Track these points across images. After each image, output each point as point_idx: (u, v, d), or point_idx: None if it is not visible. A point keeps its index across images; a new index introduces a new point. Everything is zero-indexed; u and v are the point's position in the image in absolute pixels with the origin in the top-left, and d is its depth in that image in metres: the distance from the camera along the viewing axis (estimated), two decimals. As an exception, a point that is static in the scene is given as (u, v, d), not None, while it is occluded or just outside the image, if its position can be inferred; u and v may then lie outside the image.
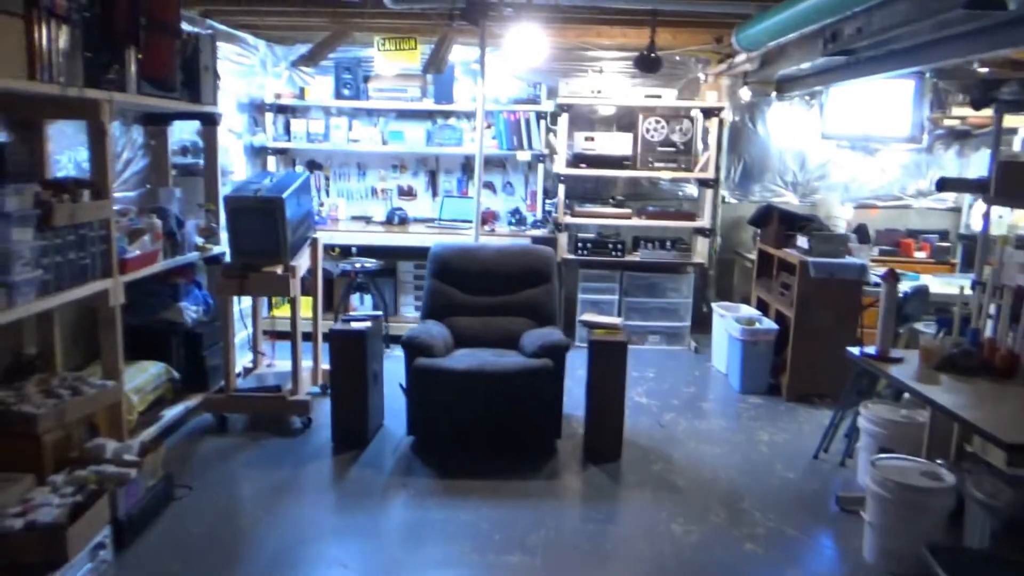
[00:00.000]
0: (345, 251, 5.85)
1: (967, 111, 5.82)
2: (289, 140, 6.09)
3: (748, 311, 5.31)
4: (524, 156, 6.01)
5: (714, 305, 5.45)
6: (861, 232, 5.43)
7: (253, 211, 3.91)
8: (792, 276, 4.81)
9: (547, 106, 5.92)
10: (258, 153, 6.08)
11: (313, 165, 6.41)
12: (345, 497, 3.35)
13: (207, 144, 4.35)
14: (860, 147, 6.37)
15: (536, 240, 5.71)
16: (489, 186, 6.38)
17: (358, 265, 5.44)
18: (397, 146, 6.09)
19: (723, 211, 6.32)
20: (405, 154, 6.27)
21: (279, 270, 3.92)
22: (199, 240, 4.25)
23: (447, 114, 6.20)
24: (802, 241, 4.77)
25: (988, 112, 5.65)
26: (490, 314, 4.27)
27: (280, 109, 6.13)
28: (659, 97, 5.75)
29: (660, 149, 5.83)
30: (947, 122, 5.99)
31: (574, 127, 6.01)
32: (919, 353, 3.03)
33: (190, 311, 4.15)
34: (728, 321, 5.04)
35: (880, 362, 3.06)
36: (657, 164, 5.84)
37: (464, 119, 6.19)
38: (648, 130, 5.83)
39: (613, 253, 5.82)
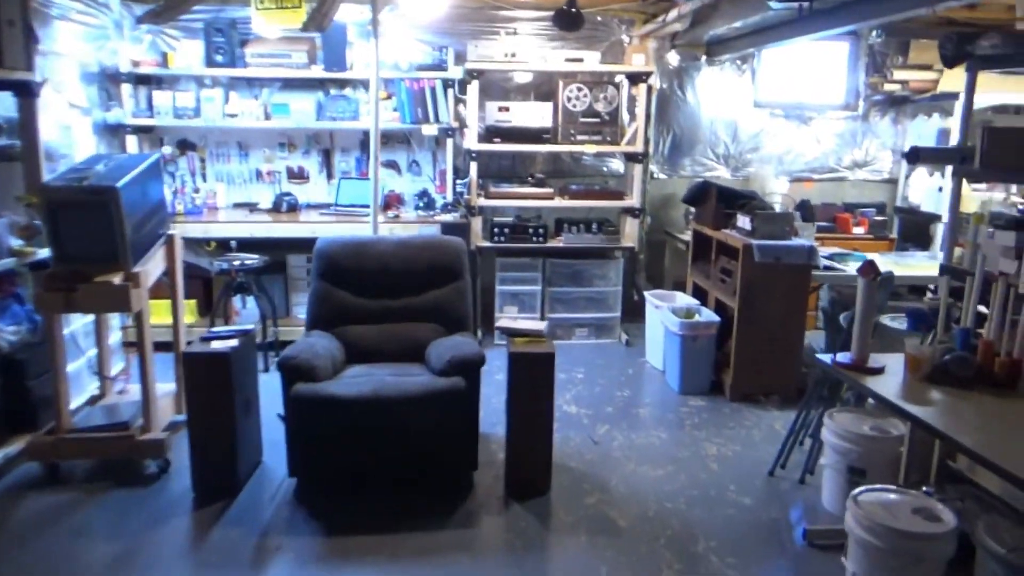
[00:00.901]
0: (223, 245, 5.01)
1: (909, 74, 5.43)
2: (152, 116, 5.17)
3: (684, 300, 4.77)
4: (430, 130, 5.28)
5: (647, 294, 4.90)
6: (804, 209, 4.96)
7: (79, 205, 3.07)
8: (733, 261, 4.28)
9: (455, 73, 5.20)
10: (115, 132, 5.14)
11: (185, 145, 5.51)
12: (204, 570, 2.61)
13: (24, 121, 3.44)
14: (794, 116, 5.92)
15: (447, 226, 5.01)
16: (392, 165, 5.64)
17: (237, 262, 4.62)
18: (282, 121, 5.25)
19: (651, 188, 5.76)
20: (293, 130, 5.44)
21: (117, 279, 3.10)
22: (16, 242, 3.39)
23: (341, 83, 5.40)
24: (743, 221, 4.25)
25: (932, 75, 5.27)
26: (390, 321, 3.57)
27: (140, 79, 5.20)
28: (580, 61, 5.11)
29: (583, 120, 5.21)
30: (887, 87, 5.58)
31: (486, 96, 5.31)
32: (905, 361, 2.50)
33: (5, 333, 3.29)
34: (664, 313, 4.48)
35: (858, 373, 2.53)
36: (580, 137, 5.22)
37: (361, 89, 5.40)
38: (569, 99, 5.19)
39: (534, 239, 5.19)
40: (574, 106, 5.19)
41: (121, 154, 3.92)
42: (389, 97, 5.30)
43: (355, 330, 3.52)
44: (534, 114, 5.16)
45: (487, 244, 5.20)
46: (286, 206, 5.32)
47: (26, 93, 3.39)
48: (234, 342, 3.11)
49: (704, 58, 5.74)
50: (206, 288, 5.23)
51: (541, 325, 3.27)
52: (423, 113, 5.24)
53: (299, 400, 2.96)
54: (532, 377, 3.07)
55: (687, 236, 5.29)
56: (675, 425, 3.92)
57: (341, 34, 5.06)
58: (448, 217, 5.15)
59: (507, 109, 5.13)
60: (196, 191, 5.49)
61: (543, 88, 5.53)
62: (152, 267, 3.42)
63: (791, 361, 4.20)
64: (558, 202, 5.29)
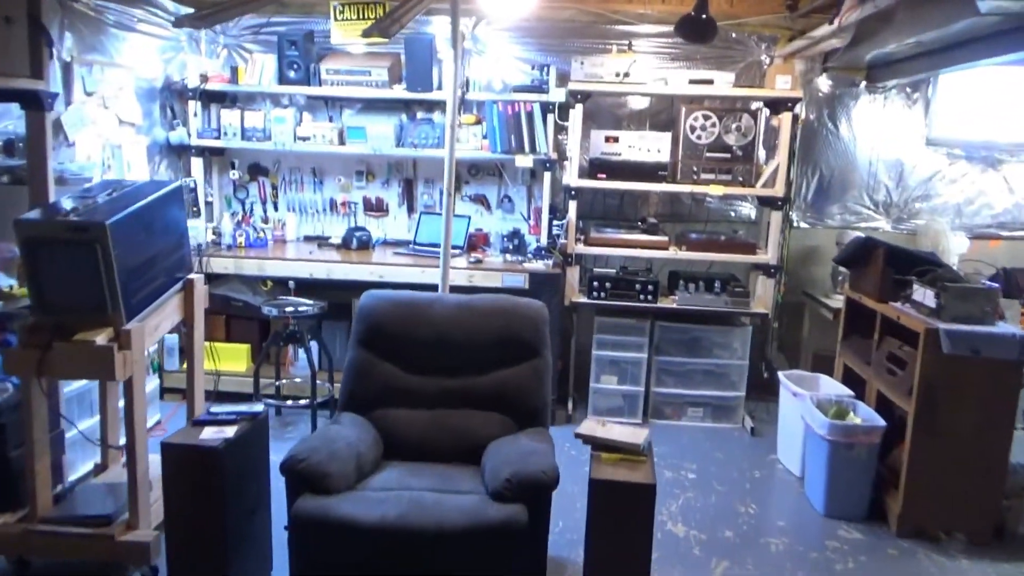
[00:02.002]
0: (282, 285, 4.40)
1: None
2: (219, 137, 4.65)
3: (831, 387, 3.72)
4: (524, 161, 4.49)
5: (782, 375, 3.87)
6: (1011, 282, 3.80)
7: (61, 243, 2.46)
8: (907, 347, 3.22)
9: (556, 96, 4.40)
10: (178, 154, 4.67)
11: (256, 170, 4.98)
12: None
13: (31, 137, 2.88)
14: (979, 157, 4.73)
15: (537, 276, 4.19)
16: (481, 200, 4.89)
17: (289, 308, 3.97)
18: (358, 146, 4.61)
19: (791, 239, 4.72)
20: (371, 157, 4.79)
21: (101, 337, 2.45)
22: (6, 282, 2.82)
23: (427, 105, 4.72)
24: (924, 295, 3.18)
25: None
26: (444, 406, 2.76)
27: (211, 96, 4.71)
28: (709, 83, 4.19)
29: (709, 155, 4.27)
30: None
31: (592, 124, 4.49)
32: None
33: (-19, 393, 2.71)
34: (806, 406, 3.46)
35: None
36: (704, 175, 4.27)
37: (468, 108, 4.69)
38: (693, 129, 4.27)
39: (641, 296, 4.26)
40: (699, 137, 4.26)
41: (138, 182, 3.24)
42: (479, 122, 4.56)
43: (398, 416, 2.73)
44: (648, 146, 4.27)
45: (584, 300, 4.33)
46: (356, 242, 4.65)
47: (34, 105, 2.84)
48: (231, 432, 2.38)
49: (863, 84, 4.67)
50: (263, 332, 4.62)
51: (639, 436, 2.36)
52: (517, 141, 4.46)
53: (302, 520, 2.19)
54: (621, 514, 2.17)
55: (836, 303, 4.23)
56: (822, 569, 2.88)
57: (427, 49, 4.38)
58: (539, 265, 4.32)
59: (616, 139, 4.27)
60: (265, 221, 4.93)
61: (661, 116, 4.64)
62: (159, 320, 2.77)
63: (988, 489, 3.08)
64: (673, 253, 4.34)
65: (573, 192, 4.30)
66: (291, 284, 4.28)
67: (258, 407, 2.58)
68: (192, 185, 4.62)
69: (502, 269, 4.26)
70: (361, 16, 4.37)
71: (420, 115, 4.75)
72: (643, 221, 4.54)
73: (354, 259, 4.47)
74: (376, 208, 4.99)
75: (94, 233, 2.41)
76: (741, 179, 4.27)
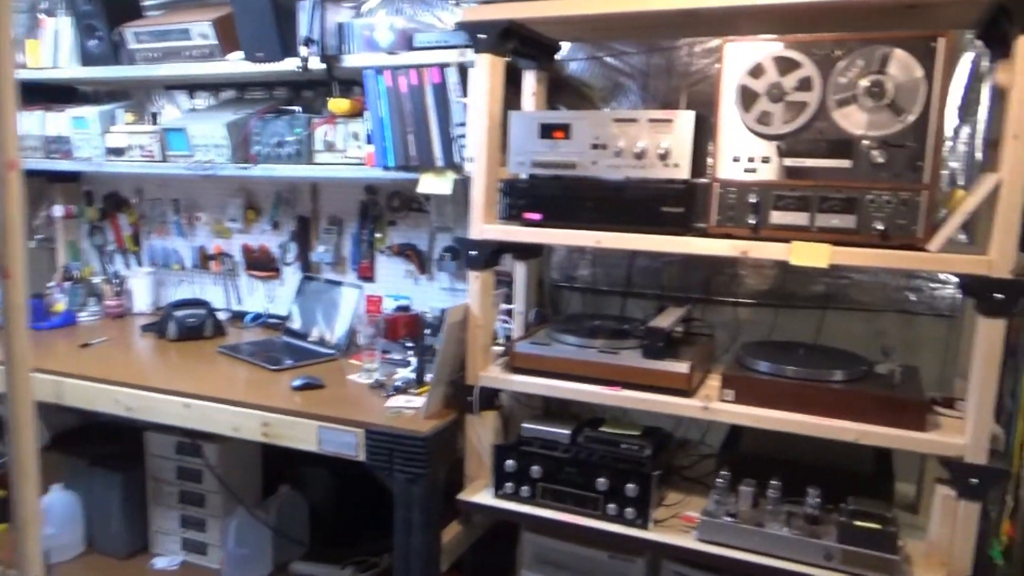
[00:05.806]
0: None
1: None
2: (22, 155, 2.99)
3: None
4: (434, 184, 2.24)
5: None
6: None
7: None
8: None
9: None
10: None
11: (116, 203, 3.26)
12: None
13: None
14: None
15: (379, 434, 1.90)
16: (410, 253, 2.69)
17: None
18: (182, 159, 2.67)
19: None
20: (253, 182, 2.85)
21: None
22: None
23: (291, 86, 2.68)
24: None
25: None
26: None
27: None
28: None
29: (791, 163, 1.67)
30: None
31: (551, 99, 2.11)
32: None
33: None
34: None
35: None
36: (777, 214, 1.67)
37: (348, 90, 2.57)
38: (750, 96, 1.68)
39: (610, 504, 1.74)
40: (764, 119, 1.67)
41: None
42: (360, 112, 2.39)
43: None
44: (641, 141, 1.77)
45: (487, 500, 1.90)
46: (178, 330, 2.70)
47: None
48: None
49: None
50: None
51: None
52: (421, 145, 2.23)
53: None
54: None
55: None
56: None
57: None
58: (414, 404, 2.01)
59: (564, 130, 1.81)
60: (114, 281, 3.16)
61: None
62: None
63: None
64: (702, 404, 1.76)
65: (474, 251, 1.92)
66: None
67: None
68: (-20, 226, 3.00)
69: (315, 416, 1.99)
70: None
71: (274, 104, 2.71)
72: (649, 331, 1.96)
73: (181, 359, 2.50)
74: (262, 264, 3.01)
75: None
76: (896, 229, 1.60)
